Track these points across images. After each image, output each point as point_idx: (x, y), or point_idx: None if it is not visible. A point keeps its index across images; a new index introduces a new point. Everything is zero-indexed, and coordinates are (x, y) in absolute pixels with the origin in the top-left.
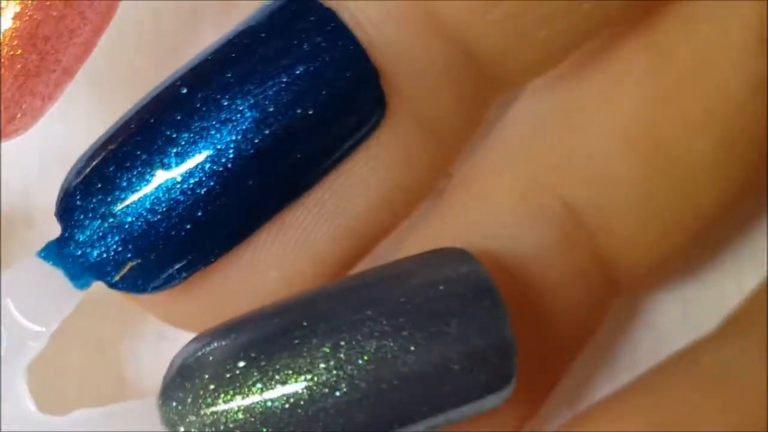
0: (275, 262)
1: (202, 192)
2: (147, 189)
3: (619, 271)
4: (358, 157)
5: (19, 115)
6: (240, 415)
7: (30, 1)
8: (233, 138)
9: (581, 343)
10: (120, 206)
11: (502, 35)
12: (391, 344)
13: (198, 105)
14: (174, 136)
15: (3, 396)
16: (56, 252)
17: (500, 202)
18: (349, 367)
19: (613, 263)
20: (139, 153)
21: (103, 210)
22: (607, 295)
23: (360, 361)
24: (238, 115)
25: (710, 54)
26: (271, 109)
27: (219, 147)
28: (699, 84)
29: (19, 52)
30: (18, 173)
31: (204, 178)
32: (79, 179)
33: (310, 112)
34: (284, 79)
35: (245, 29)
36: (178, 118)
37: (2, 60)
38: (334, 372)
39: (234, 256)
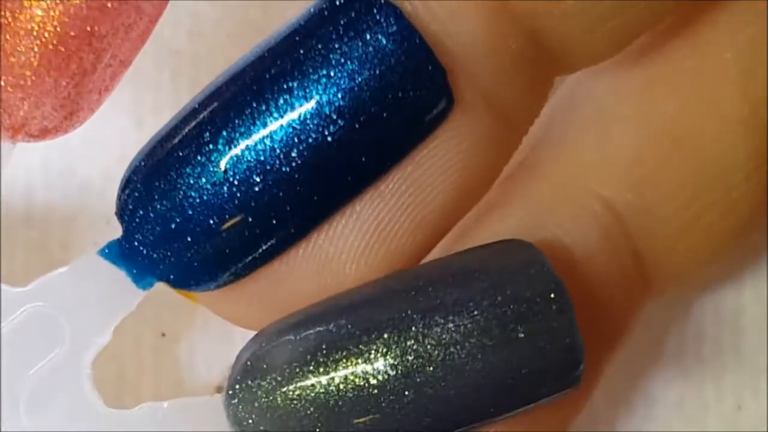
0: (352, 256)
1: (269, 182)
2: (211, 185)
3: (657, 274)
4: (434, 148)
5: (75, 112)
6: (307, 413)
7: (85, 1)
8: (295, 130)
9: (618, 345)
10: (184, 203)
11: (573, 25)
12: (459, 350)
13: (259, 105)
14: (237, 131)
15: (69, 392)
16: (118, 252)
17: (542, 202)
18: (416, 374)
19: (652, 266)
20: (202, 148)
21: (165, 208)
22: (643, 297)
23: (428, 368)
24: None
25: (755, 56)
26: (334, 116)
27: (280, 142)
28: (743, 87)
29: (75, 51)
30: (19, 172)
31: (262, 175)
32: (139, 177)
33: (375, 114)
34: (347, 84)
35: (303, 26)
36: (241, 111)
37: (58, 60)
38: (402, 378)
39: (308, 250)
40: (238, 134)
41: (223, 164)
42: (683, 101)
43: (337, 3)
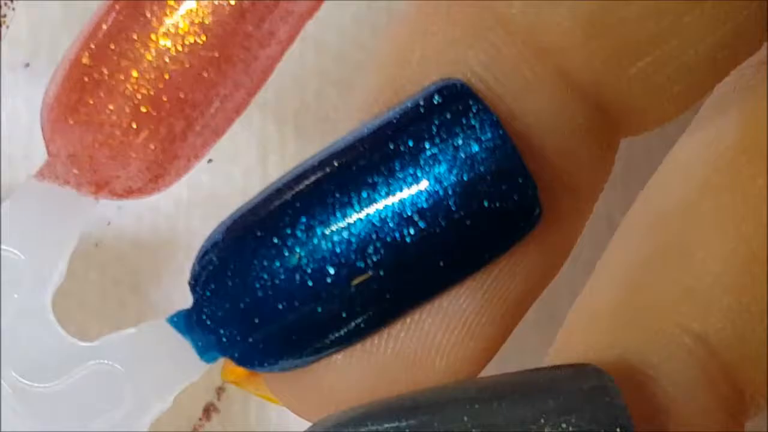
0: (440, 350)
1: (342, 275)
2: (284, 270)
3: (753, 401)
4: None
5: (162, 175)
6: None
7: (179, 68)
8: (375, 226)
9: None
10: (256, 284)
11: (639, 91)
12: None
13: (341, 196)
14: (317, 220)
15: None
16: (186, 322)
17: (626, 339)
18: None
19: (749, 392)
20: (280, 231)
21: (237, 286)
22: (739, 425)
23: None
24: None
25: None
26: (416, 218)
27: (358, 237)
28: None
29: (166, 116)
30: (19, 173)
31: (336, 267)
32: (215, 251)
33: (458, 220)
34: (433, 187)
35: (397, 121)
36: (323, 200)
37: (149, 124)
38: None
39: (383, 345)
40: (317, 223)
41: (298, 251)
42: (759, 219)
43: (435, 102)
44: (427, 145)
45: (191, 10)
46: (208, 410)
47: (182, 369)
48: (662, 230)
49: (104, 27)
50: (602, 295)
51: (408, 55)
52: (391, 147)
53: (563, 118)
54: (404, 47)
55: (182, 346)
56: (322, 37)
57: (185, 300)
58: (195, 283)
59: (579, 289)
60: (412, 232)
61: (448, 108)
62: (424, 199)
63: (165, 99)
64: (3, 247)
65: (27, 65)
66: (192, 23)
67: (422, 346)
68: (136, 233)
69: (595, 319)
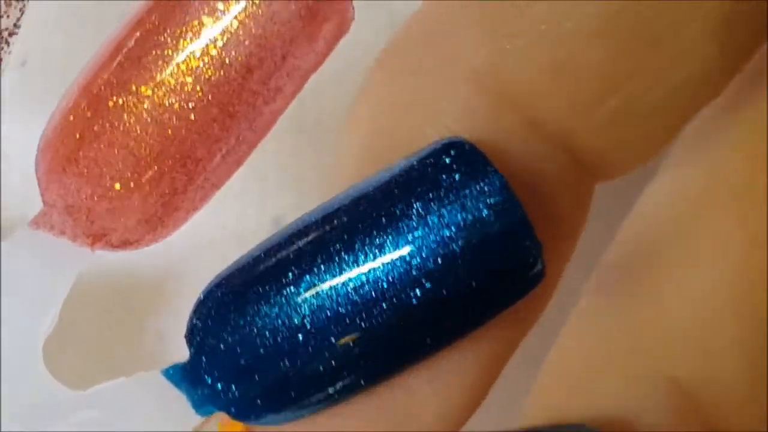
0: (430, 403)
1: (345, 334)
2: (287, 327)
3: None
4: None
5: (160, 228)
6: None
7: (183, 123)
8: (380, 287)
9: None
10: (256, 341)
11: (607, 135)
12: None
13: (347, 255)
14: (321, 278)
15: None
16: (182, 375)
17: (606, 383)
18: None
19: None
20: (283, 288)
21: (236, 342)
22: None
23: None
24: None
25: None
26: (423, 279)
27: (363, 297)
28: None
29: (167, 171)
30: (18, 174)
31: (339, 326)
32: (213, 303)
33: (464, 281)
34: (440, 250)
35: (404, 179)
36: (328, 258)
37: (149, 178)
38: None
39: (382, 402)
40: (321, 281)
41: (301, 309)
42: (736, 264)
43: (444, 161)
44: (435, 207)
45: (197, 66)
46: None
47: (176, 421)
48: (632, 277)
49: (105, 76)
50: (574, 345)
51: (381, 117)
52: (399, 207)
53: (537, 168)
54: (377, 109)
55: (177, 399)
56: None
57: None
58: (192, 337)
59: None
60: (418, 293)
61: (457, 169)
62: (431, 260)
63: (167, 154)
64: None
65: (24, 63)
66: (197, 79)
67: (413, 406)
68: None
69: (568, 371)
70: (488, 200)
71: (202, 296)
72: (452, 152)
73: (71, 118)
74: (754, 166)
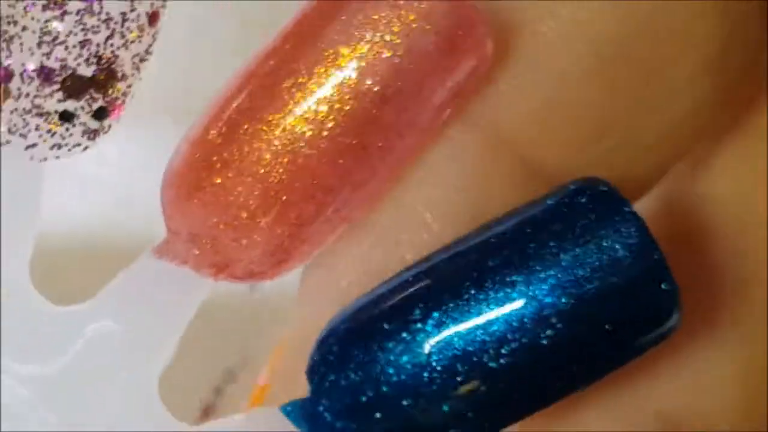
0: None
1: (472, 374)
2: (412, 365)
3: None
4: None
5: (285, 261)
6: None
7: (314, 153)
8: (510, 326)
9: None
10: (380, 378)
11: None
12: None
13: (477, 293)
14: (450, 316)
15: None
16: (301, 412)
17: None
18: None
19: None
20: (409, 325)
21: (359, 379)
22: None
23: None
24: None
25: None
26: (554, 320)
27: (492, 336)
28: None
29: (296, 201)
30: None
31: (466, 365)
32: (335, 340)
33: (597, 324)
34: (574, 290)
35: (538, 218)
36: (457, 296)
37: (278, 208)
38: None
39: None
40: (450, 319)
41: (428, 347)
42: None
43: (580, 200)
44: (569, 247)
45: (331, 95)
46: (208, 411)
47: None
48: None
49: (235, 105)
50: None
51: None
52: (532, 246)
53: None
54: None
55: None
56: None
57: None
58: (313, 373)
59: None
60: (549, 333)
61: (593, 209)
62: (564, 301)
63: (297, 183)
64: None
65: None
66: (331, 108)
67: None
68: None
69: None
70: (625, 241)
71: (324, 332)
72: (588, 192)
73: (200, 145)
74: None
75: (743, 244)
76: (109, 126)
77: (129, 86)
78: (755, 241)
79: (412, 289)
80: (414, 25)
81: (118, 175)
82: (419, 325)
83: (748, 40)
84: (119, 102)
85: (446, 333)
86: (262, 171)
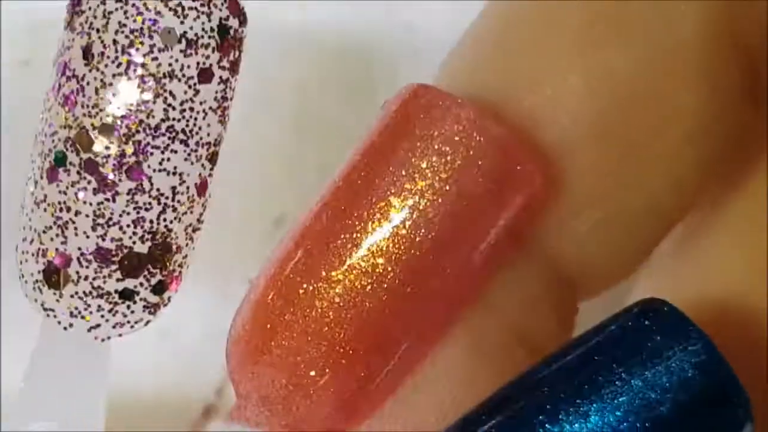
0: None
1: None
2: None
3: None
4: None
5: (356, 413)
6: None
7: (376, 305)
8: None
9: None
10: None
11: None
12: None
13: (552, 425)
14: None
15: None
16: None
17: None
18: None
19: None
20: None
21: None
22: None
23: None
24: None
25: None
26: None
27: None
28: None
29: (363, 354)
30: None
31: None
32: None
33: None
34: (646, 414)
35: (603, 345)
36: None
37: (344, 363)
38: None
39: None
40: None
41: None
42: None
43: (644, 323)
44: (639, 371)
45: (387, 247)
46: (208, 411)
47: None
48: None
49: (293, 264)
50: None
51: None
52: (601, 374)
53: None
54: None
55: None
56: (322, 37)
57: None
58: None
59: None
60: None
61: (658, 330)
62: (639, 425)
63: (362, 337)
64: None
65: (26, 63)
66: (388, 260)
67: None
68: None
69: None
70: (693, 360)
71: None
72: (650, 314)
73: (261, 309)
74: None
75: None
76: (169, 298)
77: (185, 257)
78: None
79: (484, 427)
80: (461, 170)
81: None
82: None
83: (730, 117)
84: (176, 273)
85: None
86: (326, 328)
